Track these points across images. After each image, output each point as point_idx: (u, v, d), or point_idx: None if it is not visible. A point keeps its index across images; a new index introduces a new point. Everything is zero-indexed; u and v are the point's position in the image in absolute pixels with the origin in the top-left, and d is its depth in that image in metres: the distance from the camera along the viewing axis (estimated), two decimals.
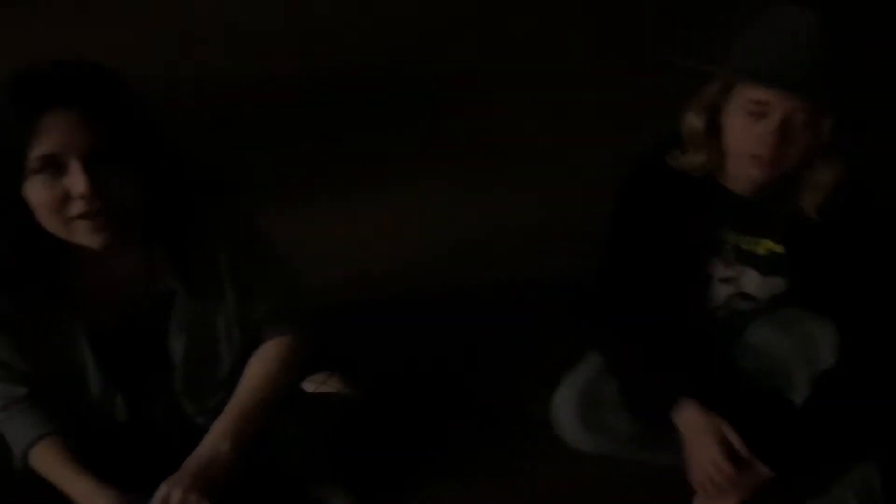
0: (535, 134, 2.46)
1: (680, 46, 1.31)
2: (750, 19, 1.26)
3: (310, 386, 1.45)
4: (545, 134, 2.46)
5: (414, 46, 2.86)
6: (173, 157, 1.20)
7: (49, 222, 1.12)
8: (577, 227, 1.66)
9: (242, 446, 1.30)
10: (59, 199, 1.09)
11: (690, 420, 1.37)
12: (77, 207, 1.09)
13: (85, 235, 1.12)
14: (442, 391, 1.70)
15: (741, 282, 1.45)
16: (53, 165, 1.08)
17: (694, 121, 1.33)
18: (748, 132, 1.26)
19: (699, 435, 1.36)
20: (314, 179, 2.26)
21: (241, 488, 1.31)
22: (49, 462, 1.27)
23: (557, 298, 1.75)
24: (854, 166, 1.28)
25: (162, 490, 1.23)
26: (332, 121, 2.50)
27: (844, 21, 1.22)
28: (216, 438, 1.29)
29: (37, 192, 1.09)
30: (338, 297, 1.80)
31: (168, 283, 1.27)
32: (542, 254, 1.98)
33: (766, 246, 1.41)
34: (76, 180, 1.07)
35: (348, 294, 1.84)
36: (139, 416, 1.35)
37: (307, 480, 1.43)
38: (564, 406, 1.49)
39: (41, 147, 1.06)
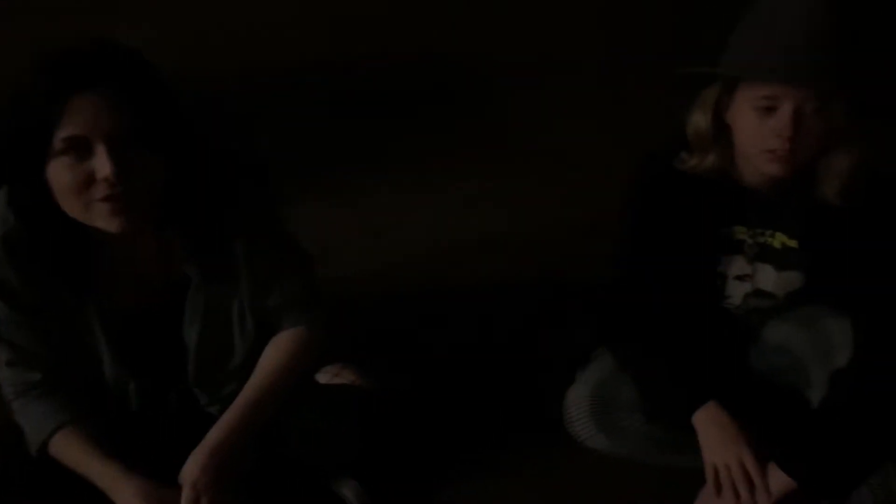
0: (550, 132, 2.49)
1: (693, 47, 1.32)
2: (747, 13, 1.26)
3: (323, 377, 1.45)
4: (560, 132, 2.49)
5: (428, 41, 2.90)
6: (197, 142, 1.22)
7: (69, 205, 1.13)
8: (593, 225, 1.68)
9: (252, 435, 1.31)
10: (83, 181, 1.11)
11: (712, 420, 1.35)
12: (100, 190, 1.11)
13: (104, 219, 1.13)
14: (456, 387, 1.70)
15: (757, 278, 1.43)
16: (79, 147, 1.09)
17: (700, 122, 1.32)
18: (760, 128, 1.25)
19: (723, 433, 1.34)
20: (328, 175, 2.28)
21: (256, 479, 1.33)
22: (72, 450, 1.28)
23: (573, 295, 1.75)
24: (872, 151, 1.28)
25: (187, 489, 1.24)
26: (339, 116, 2.54)
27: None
28: (225, 426, 1.30)
29: (60, 173, 1.11)
30: (351, 290, 1.82)
31: (184, 269, 1.28)
32: (557, 251, 1.99)
33: (780, 240, 1.40)
34: (102, 163, 1.09)
35: (362, 288, 1.86)
36: (152, 405, 1.37)
37: (318, 474, 1.43)
38: (577, 405, 1.48)
39: (68, 128, 1.08)
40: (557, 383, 1.54)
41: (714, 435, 1.35)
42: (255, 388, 1.34)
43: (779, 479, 1.30)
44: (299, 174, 2.20)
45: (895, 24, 2.59)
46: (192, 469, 1.26)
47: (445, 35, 2.96)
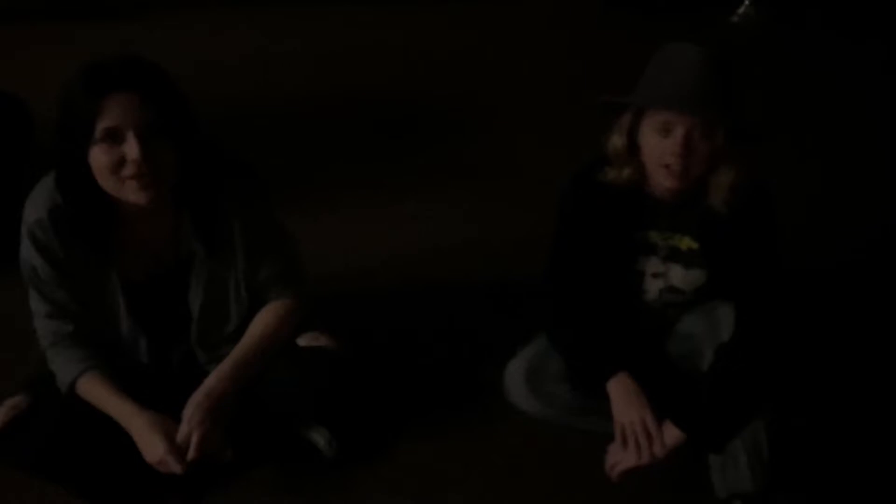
0: (518, 155, 2.82)
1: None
2: (655, 56, 1.55)
3: (302, 340, 1.70)
4: (526, 155, 2.82)
5: (419, 76, 3.23)
6: (204, 137, 1.48)
7: (106, 182, 1.40)
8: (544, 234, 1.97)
9: (240, 385, 1.55)
10: (116, 162, 1.37)
11: (622, 386, 1.60)
12: (130, 169, 1.37)
13: (134, 193, 1.39)
14: (416, 359, 1.97)
15: (669, 276, 1.69)
16: (113, 136, 1.36)
17: (616, 142, 1.60)
18: (659, 147, 1.53)
19: (629, 397, 1.58)
20: (324, 189, 2.60)
21: (240, 424, 1.56)
22: (96, 390, 1.52)
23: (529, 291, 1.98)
24: (752, 168, 1.55)
25: (183, 424, 1.49)
26: (343, 139, 2.87)
27: (728, 52, 1.52)
28: (219, 377, 1.54)
29: (99, 156, 1.37)
30: (341, 284, 2.13)
31: (191, 244, 1.54)
32: (521, 254, 2.26)
33: (686, 243, 1.66)
34: (131, 147, 1.36)
35: (350, 282, 2.17)
36: (159, 360, 1.62)
37: (294, 420, 1.68)
38: (514, 374, 1.74)
39: (105, 121, 1.35)
40: (500, 359, 1.81)
41: (622, 398, 1.59)
42: (245, 347, 1.59)
43: (671, 433, 1.55)
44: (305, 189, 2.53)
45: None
46: (189, 408, 1.50)
47: (435, 73, 3.30)
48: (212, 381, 1.54)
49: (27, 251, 1.49)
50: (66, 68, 1.41)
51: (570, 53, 3.59)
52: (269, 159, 2.59)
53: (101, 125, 1.35)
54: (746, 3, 4.15)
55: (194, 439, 1.48)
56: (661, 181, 1.57)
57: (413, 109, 3.11)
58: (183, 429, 1.49)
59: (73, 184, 1.43)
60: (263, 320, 1.63)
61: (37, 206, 1.47)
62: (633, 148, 1.60)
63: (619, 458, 1.59)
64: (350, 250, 2.31)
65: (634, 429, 1.57)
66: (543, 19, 4.00)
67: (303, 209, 2.31)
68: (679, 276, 1.69)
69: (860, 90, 3.42)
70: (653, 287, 1.71)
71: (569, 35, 3.87)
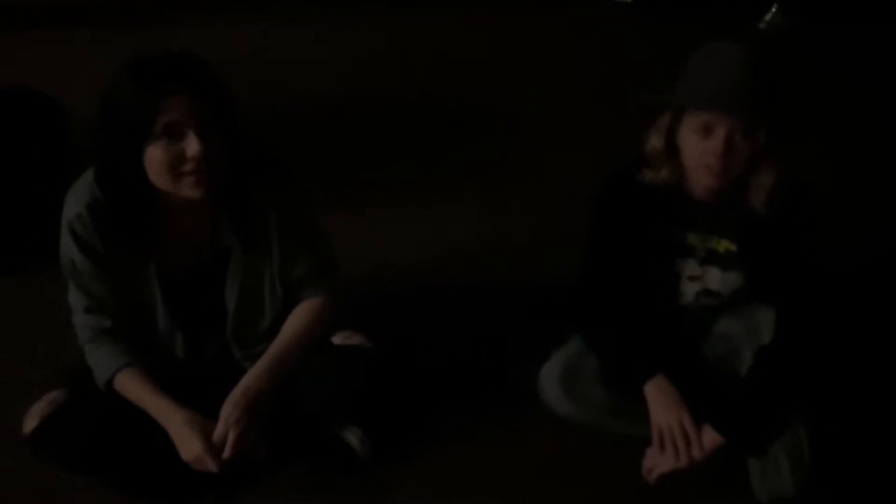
0: (533, 159, 2.81)
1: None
2: (695, 56, 1.53)
3: (337, 339, 1.69)
4: (539, 159, 2.81)
5: (433, 82, 3.25)
6: (245, 134, 1.48)
7: (162, 179, 1.39)
8: (569, 234, 1.96)
9: (276, 383, 1.55)
10: (175, 158, 1.37)
11: (660, 389, 1.58)
12: (189, 165, 1.37)
13: (189, 188, 1.40)
14: (448, 359, 1.97)
15: (706, 279, 1.67)
16: (171, 133, 1.36)
17: (655, 142, 1.59)
18: (699, 147, 1.51)
19: (667, 400, 1.57)
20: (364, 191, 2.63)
21: (274, 422, 1.56)
22: (133, 385, 1.53)
23: (549, 292, 2.01)
24: (792, 169, 1.54)
25: (220, 422, 1.49)
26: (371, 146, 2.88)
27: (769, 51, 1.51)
28: (256, 376, 1.54)
29: (157, 153, 1.36)
30: (375, 282, 2.15)
31: (228, 239, 1.55)
32: (539, 254, 2.28)
33: (723, 245, 1.65)
34: (192, 144, 1.36)
35: (356, 284, 2.10)
36: (195, 356, 1.63)
37: (328, 419, 1.68)
38: (549, 377, 1.72)
39: (166, 117, 1.34)
40: (533, 361, 1.79)
41: (660, 401, 1.58)
42: (281, 345, 1.59)
43: (711, 437, 1.53)
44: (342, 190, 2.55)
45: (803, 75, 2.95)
46: (226, 407, 1.50)
47: (454, 76, 3.31)
48: (249, 379, 1.54)
49: (67, 246, 1.50)
50: (69, 68, 1.40)
51: (587, 57, 3.58)
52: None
53: (161, 122, 1.34)
54: (774, 9, 4.12)
55: (231, 438, 1.48)
56: (701, 179, 1.55)
57: (424, 114, 3.10)
58: (220, 427, 1.49)
59: (115, 180, 1.43)
60: (298, 318, 1.63)
61: (76, 200, 1.48)
62: (671, 149, 1.59)
63: (657, 462, 1.58)
64: (357, 252, 2.28)
65: (672, 432, 1.55)
66: (556, 25, 3.99)
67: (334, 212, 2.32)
68: (716, 279, 1.67)
69: (887, 97, 3.39)
70: (689, 290, 1.70)
71: (582, 39, 3.85)
